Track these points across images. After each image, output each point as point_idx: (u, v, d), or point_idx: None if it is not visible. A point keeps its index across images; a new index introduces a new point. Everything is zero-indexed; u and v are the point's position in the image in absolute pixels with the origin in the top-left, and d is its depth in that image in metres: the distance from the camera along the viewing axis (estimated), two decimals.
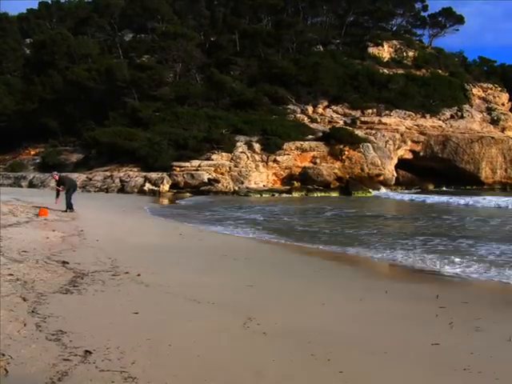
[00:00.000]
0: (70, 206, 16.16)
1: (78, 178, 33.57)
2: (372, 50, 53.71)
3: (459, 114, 49.24)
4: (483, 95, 53.70)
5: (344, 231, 14.68)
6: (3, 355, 3.83)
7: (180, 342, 4.49)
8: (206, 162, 34.57)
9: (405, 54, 55.15)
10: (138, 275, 7.08)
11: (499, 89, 55.47)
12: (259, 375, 3.92)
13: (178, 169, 33.71)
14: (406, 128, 44.11)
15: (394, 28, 63.24)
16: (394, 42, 56.27)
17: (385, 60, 53.10)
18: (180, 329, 4.90)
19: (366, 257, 10.47)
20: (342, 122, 43.24)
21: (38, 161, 39.30)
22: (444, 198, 28.83)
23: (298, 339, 4.74)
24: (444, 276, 8.46)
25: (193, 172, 33.69)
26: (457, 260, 9.66)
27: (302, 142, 37.68)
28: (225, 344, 4.53)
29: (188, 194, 32.14)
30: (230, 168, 35.01)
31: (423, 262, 9.67)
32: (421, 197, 30.93)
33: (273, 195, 33.09)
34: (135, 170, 34.38)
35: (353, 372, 4.06)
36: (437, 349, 4.64)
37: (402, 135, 43.17)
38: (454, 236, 13.44)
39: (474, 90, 53.12)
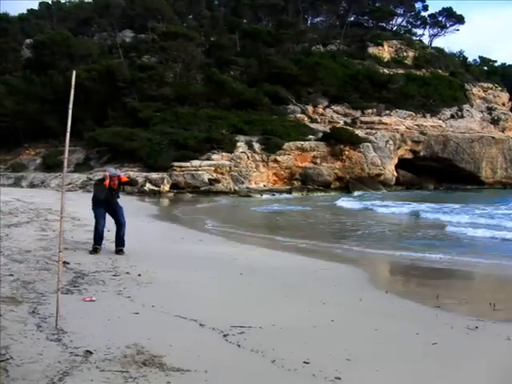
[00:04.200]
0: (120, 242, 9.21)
1: (79, 178, 33.69)
2: (372, 49, 53.77)
3: (459, 113, 49.29)
4: (483, 95, 53.74)
5: None
6: (3, 355, 3.83)
7: (180, 341, 4.49)
8: (206, 162, 34.57)
9: (405, 53, 55.20)
10: (139, 275, 7.08)
11: (499, 88, 55.53)
12: (261, 376, 3.92)
13: (178, 169, 33.71)
14: (407, 128, 44.14)
15: (394, 28, 63.34)
16: (394, 41, 56.33)
17: (385, 60, 53.15)
18: (181, 329, 4.90)
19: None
20: (342, 122, 43.27)
21: (38, 161, 39.33)
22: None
23: None
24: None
25: (193, 172, 33.69)
26: None
27: (302, 142, 37.69)
28: (226, 345, 4.53)
29: (189, 195, 32.15)
30: (230, 168, 35.03)
31: None
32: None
33: (273, 195, 33.08)
34: (135, 170, 34.38)
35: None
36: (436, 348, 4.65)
37: (402, 135, 43.19)
38: None
39: (474, 90, 53.15)
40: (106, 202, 9.26)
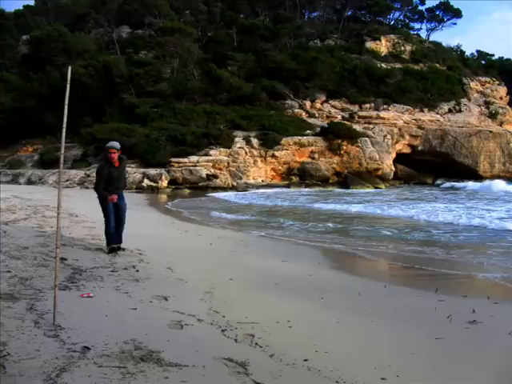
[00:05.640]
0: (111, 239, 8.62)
1: (77, 174, 33.66)
2: (370, 44, 53.73)
3: (457, 107, 49.28)
4: (481, 89, 53.74)
5: None
6: (1, 352, 3.82)
7: (178, 337, 4.49)
8: (204, 158, 34.54)
9: (402, 48, 55.17)
10: (137, 271, 7.08)
11: (497, 82, 55.53)
12: (259, 371, 3.92)
13: (176, 165, 33.68)
14: (404, 122, 44.14)
15: (392, 22, 63.29)
16: (392, 36, 56.29)
17: (382, 54, 53.13)
18: (178, 324, 4.89)
19: None
20: (340, 117, 43.26)
21: (36, 157, 39.26)
22: None
23: None
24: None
25: (191, 168, 33.67)
26: None
27: (300, 137, 37.67)
28: (225, 340, 4.53)
29: (187, 191, 32.12)
30: (228, 163, 35.00)
31: None
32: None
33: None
34: (133, 166, 34.33)
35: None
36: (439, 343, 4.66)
37: (400, 129, 43.20)
38: None
39: (472, 84, 53.14)
40: (109, 178, 8.46)
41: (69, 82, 5.09)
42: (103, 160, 8.83)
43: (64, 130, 5.11)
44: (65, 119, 5.08)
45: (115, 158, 8.52)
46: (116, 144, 8.57)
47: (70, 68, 5.32)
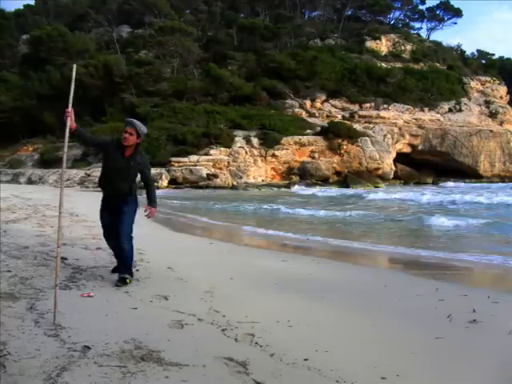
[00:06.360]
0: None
1: (77, 174, 33.66)
2: (370, 43, 53.82)
3: (457, 107, 49.35)
4: (481, 88, 53.80)
5: None
6: (1, 351, 3.82)
7: (179, 336, 4.49)
8: (204, 157, 34.58)
9: (403, 47, 55.27)
10: (137, 270, 7.07)
11: (497, 82, 55.60)
12: (260, 370, 3.92)
13: (176, 164, 33.72)
14: (405, 122, 44.19)
15: (392, 22, 63.38)
16: (392, 35, 56.40)
17: (383, 54, 53.23)
18: (179, 324, 4.89)
19: None
20: (340, 117, 43.32)
21: (36, 157, 39.27)
22: None
23: None
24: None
25: (191, 167, 33.70)
26: None
27: (300, 137, 37.70)
28: (225, 339, 4.52)
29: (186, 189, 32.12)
30: (228, 163, 35.03)
31: None
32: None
33: (271, 190, 33.08)
34: None
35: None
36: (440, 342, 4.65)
37: (400, 129, 43.25)
38: None
39: (472, 84, 53.21)
40: (116, 172, 6.06)
41: (73, 80, 5.10)
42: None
43: (67, 130, 5.12)
44: (68, 119, 5.09)
45: (129, 141, 5.93)
46: (137, 122, 5.93)
47: (74, 66, 5.32)
